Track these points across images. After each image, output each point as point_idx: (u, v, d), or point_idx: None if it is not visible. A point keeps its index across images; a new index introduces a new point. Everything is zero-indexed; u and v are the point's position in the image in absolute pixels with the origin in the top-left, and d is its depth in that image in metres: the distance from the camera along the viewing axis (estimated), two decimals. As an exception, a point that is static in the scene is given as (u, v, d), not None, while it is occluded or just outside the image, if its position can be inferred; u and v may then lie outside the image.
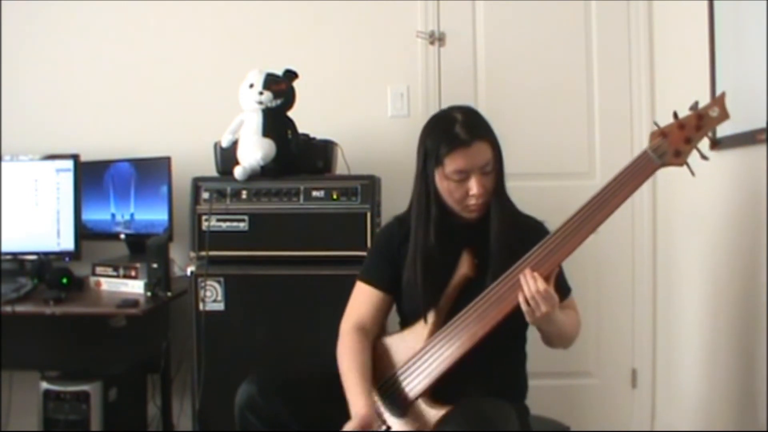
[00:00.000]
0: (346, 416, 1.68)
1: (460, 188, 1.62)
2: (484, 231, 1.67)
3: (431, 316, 1.64)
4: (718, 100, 1.56)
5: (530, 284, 1.50)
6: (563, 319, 1.62)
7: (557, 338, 1.68)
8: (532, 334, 1.75)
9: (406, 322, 1.76)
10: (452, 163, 1.60)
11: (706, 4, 2.16)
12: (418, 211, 1.68)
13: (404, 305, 1.77)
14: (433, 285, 1.65)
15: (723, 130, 1.95)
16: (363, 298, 1.78)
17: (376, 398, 1.67)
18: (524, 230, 1.64)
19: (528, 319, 1.54)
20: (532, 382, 1.80)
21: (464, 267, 1.64)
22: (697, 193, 2.23)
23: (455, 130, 1.61)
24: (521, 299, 1.51)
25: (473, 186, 1.61)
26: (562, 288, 1.72)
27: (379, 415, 1.66)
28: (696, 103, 1.55)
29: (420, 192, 1.68)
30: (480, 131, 1.63)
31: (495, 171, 1.65)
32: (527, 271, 1.52)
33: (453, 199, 1.64)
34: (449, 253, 1.66)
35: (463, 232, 1.68)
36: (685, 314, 2.45)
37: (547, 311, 1.51)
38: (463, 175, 1.61)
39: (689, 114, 1.55)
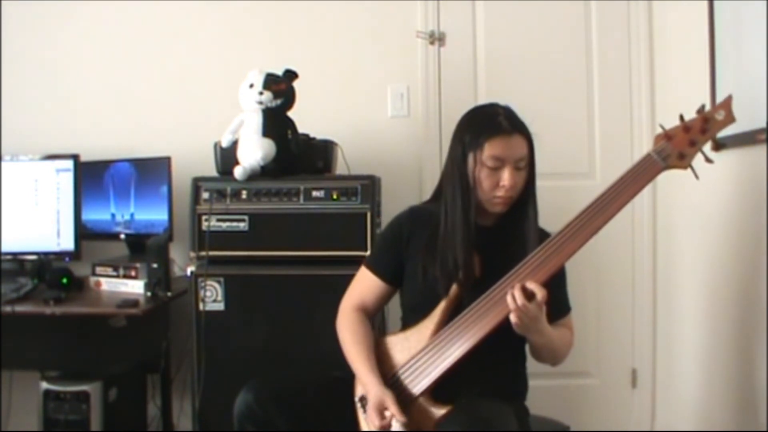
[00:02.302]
0: (343, 422, 1.69)
1: (492, 177, 1.63)
2: (495, 234, 1.69)
3: (437, 314, 1.65)
4: (724, 104, 1.56)
5: (518, 298, 1.51)
6: (552, 332, 1.63)
7: (546, 351, 1.68)
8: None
9: (407, 317, 1.77)
10: (491, 148, 1.62)
11: (706, 4, 2.16)
12: (453, 200, 1.67)
13: (408, 298, 1.78)
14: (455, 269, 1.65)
15: (723, 130, 1.96)
16: (366, 283, 1.82)
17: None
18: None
19: (516, 329, 1.55)
20: (532, 382, 1.80)
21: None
22: (697, 193, 2.23)
23: (498, 119, 1.65)
24: (511, 315, 1.52)
25: (506, 177, 1.62)
26: (562, 306, 1.74)
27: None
28: (702, 107, 1.55)
29: (457, 181, 1.67)
30: (521, 126, 1.67)
31: (527, 171, 1.67)
32: (517, 286, 1.52)
33: (482, 188, 1.65)
34: None
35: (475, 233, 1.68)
36: (685, 314, 2.45)
37: (529, 322, 1.52)
38: (498, 164, 1.62)
39: (695, 117, 1.55)
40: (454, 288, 1.65)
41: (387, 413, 1.57)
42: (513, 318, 1.52)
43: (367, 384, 1.64)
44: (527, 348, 1.72)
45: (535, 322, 1.54)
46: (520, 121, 1.68)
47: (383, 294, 1.82)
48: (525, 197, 1.68)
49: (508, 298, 1.51)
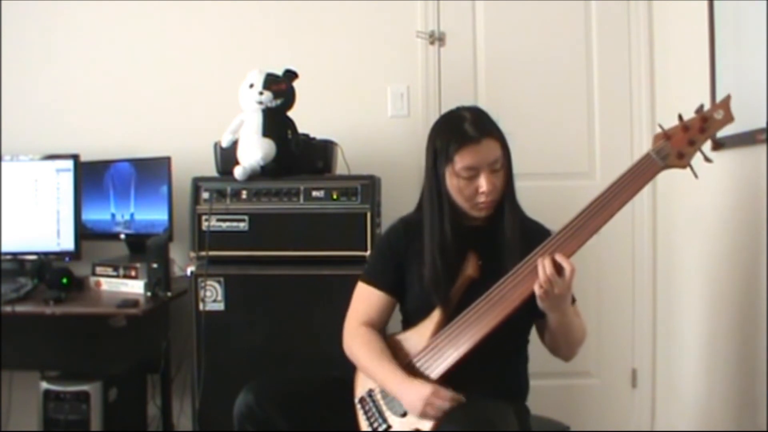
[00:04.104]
0: (344, 422, 1.69)
1: (470, 186, 1.63)
2: (489, 233, 1.69)
3: (436, 315, 1.65)
4: (723, 103, 1.56)
5: (547, 267, 1.50)
6: (572, 315, 1.63)
7: (564, 336, 1.65)
8: (534, 337, 1.76)
9: (408, 322, 1.76)
10: (462, 160, 1.61)
11: (706, 4, 2.16)
12: (431, 208, 1.68)
13: (408, 304, 1.77)
14: (447, 279, 1.65)
15: (723, 130, 1.96)
16: (366, 299, 1.78)
17: (378, 397, 1.68)
18: (532, 235, 1.64)
19: (540, 303, 1.54)
20: (532, 382, 1.80)
21: (469, 268, 1.65)
22: (697, 193, 2.23)
23: (464, 127, 1.62)
24: (536, 285, 1.51)
25: (483, 183, 1.61)
26: None
27: (381, 414, 1.66)
28: (701, 106, 1.56)
29: (431, 190, 1.68)
30: (489, 129, 1.64)
31: (504, 170, 1.66)
32: (547, 257, 1.51)
33: (462, 197, 1.64)
34: (455, 254, 1.66)
35: (468, 234, 1.69)
36: (685, 314, 2.45)
37: (559, 292, 1.51)
38: (473, 172, 1.62)
39: (693, 116, 1.55)
40: (453, 290, 1.64)
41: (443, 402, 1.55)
42: (537, 290, 1.51)
43: (406, 392, 1.59)
44: (546, 338, 1.71)
45: (560, 301, 1.53)
46: (488, 123, 1.66)
47: (387, 307, 1.78)
48: (503, 195, 1.67)
49: (539, 268, 1.50)
